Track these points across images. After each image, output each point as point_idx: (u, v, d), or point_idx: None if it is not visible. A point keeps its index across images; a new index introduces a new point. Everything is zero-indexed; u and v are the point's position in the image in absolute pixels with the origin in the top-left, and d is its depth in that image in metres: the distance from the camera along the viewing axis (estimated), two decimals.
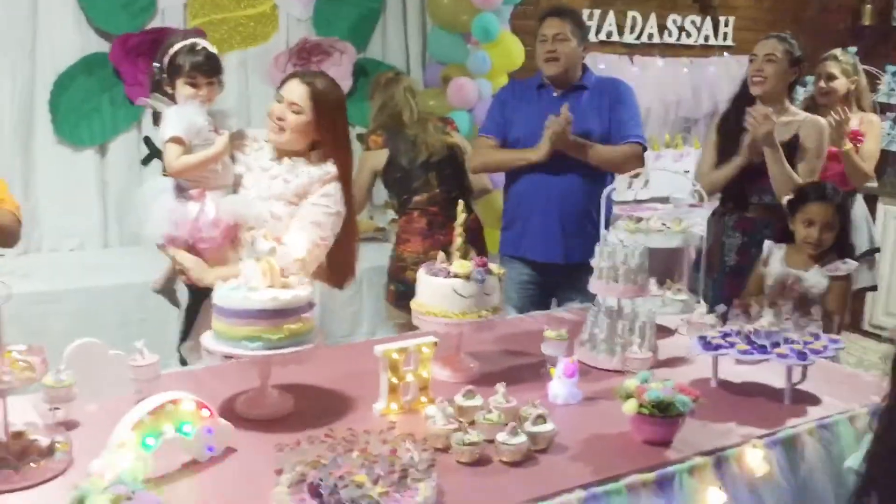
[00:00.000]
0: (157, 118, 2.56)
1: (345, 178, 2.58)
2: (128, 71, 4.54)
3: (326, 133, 2.54)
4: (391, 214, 4.79)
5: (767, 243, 2.92)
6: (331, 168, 2.54)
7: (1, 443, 1.67)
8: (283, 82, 2.57)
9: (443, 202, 3.80)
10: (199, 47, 2.53)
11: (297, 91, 2.48)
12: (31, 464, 1.62)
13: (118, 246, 4.58)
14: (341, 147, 2.60)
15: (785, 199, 2.89)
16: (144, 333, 2.83)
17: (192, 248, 2.49)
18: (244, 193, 2.53)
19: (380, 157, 3.88)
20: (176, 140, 2.45)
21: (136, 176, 4.59)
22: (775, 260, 2.84)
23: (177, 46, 2.51)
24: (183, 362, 2.73)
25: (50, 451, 1.70)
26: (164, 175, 2.56)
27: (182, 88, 2.51)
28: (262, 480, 1.64)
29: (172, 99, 2.53)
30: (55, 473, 1.65)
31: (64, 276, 3.98)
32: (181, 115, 2.47)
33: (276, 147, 2.56)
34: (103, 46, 4.51)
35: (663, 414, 1.85)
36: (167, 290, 2.61)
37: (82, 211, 4.54)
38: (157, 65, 2.54)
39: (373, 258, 4.30)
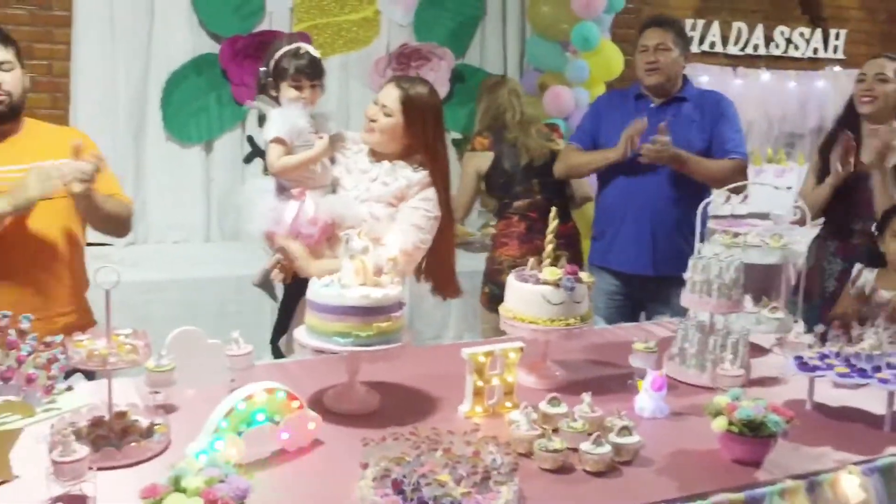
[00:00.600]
0: (262, 119, 2.65)
1: (438, 184, 2.60)
2: (235, 72, 4.72)
3: (415, 138, 2.57)
4: (483, 219, 4.81)
5: (858, 265, 2.83)
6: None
7: (105, 421, 1.76)
8: (384, 86, 2.63)
9: (544, 208, 3.78)
10: (302, 51, 2.60)
11: (390, 95, 2.54)
12: (132, 443, 1.70)
13: (219, 240, 4.77)
14: (433, 153, 2.62)
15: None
16: (240, 324, 2.93)
17: None
18: (343, 194, 2.59)
19: (485, 159, 3.91)
20: (278, 141, 2.52)
21: (238, 173, 4.77)
22: (866, 282, 2.75)
23: (282, 50, 2.59)
24: (276, 355, 2.81)
25: (149, 432, 1.77)
26: (266, 175, 2.64)
27: (286, 91, 2.58)
28: (346, 473, 1.67)
29: (277, 101, 2.61)
30: (153, 453, 1.73)
31: (168, 267, 4.17)
32: (284, 118, 2.54)
33: (370, 149, 2.61)
34: (213, 48, 4.71)
35: (754, 433, 1.80)
36: (266, 285, 2.69)
37: (187, 205, 4.74)
38: (264, 69, 2.62)
39: (463, 263, 4.29)
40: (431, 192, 2.57)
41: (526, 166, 3.84)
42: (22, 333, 1.91)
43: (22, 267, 2.44)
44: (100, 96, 4.46)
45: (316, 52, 2.64)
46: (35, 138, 2.52)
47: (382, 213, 2.54)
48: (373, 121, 2.55)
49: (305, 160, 2.54)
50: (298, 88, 2.58)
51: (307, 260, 2.52)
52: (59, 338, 1.97)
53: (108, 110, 4.49)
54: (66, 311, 2.58)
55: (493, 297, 3.87)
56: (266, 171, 2.64)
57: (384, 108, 2.53)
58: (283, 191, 2.58)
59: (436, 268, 2.68)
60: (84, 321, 2.64)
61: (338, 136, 2.62)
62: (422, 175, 2.56)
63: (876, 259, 2.84)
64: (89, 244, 2.74)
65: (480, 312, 4.03)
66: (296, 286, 2.59)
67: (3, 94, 2.41)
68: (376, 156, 2.61)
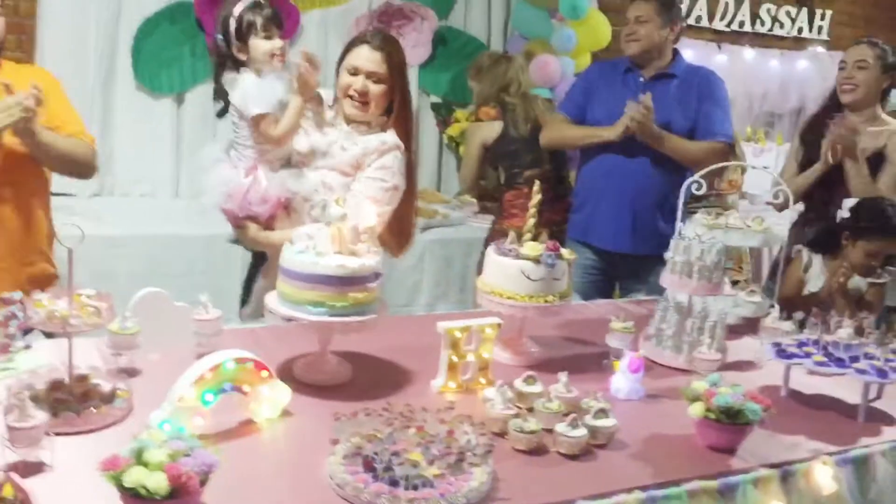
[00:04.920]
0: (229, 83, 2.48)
1: (407, 146, 2.53)
2: (210, 22, 4.55)
3: (398, 100, 2.49)
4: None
5: (806, 251, 2.87)
6: (389, 138, 2.48)
7: (65, 384, 1.69)
8: (349, 49, 2.49)
9: (551, 179, 3.77)
10: (262, 2, 2.47)
11: (373, 59, 2.43)
12: (93, 408, 1.63)
13: (188, 196, 4.64)
14: (409, 114, 2.56)
15: (846, 212, 2.79)
16: (207, 284, 2.85)
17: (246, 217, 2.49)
18: (300, 167, 2.50)
19: (491, 129, 3.88)
20: (262, 117, 2.41)
21: (210, 128, 4.63)
22: (816, 267, 2.77)
23: (239, 8, 2.44)
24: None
25: (111, 397, 1.71)
26: (257, 145, 2.50)
27: (260, 45, 2.43)
28: (316, 447, 1.62)
29: (241, 66, 2.45)
30: (115, 420, 1.66)
31: (133, 221, 4.05)
32: (261, 90, 2.41)
33: (342, 114, 2.51)
34: None
35: (731, 421, 1.78)
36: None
37: (156, 158, 4.61)
38: (221, 36, 2.44)
39: (438, 231, 4.28)
40: (389, 159, 2.47)
41: (535, 135, 3.79)
42: None
43: None
44: (68, 40, 4.29)
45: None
46: (15, 78, 2.41)
47: (335, 183, 2.45)
48: (364, 94, 2.44)
49: (295, 111, 2.42)
50: (270, 38, 2.44)
51: (258, 233, 2.47)
52: (17, 294, 1.88)
53: (77, 56, 4.32)
54: (32, 261, 2.50)
55: None
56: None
57: (373, 76, 2.43)
58: (237, 162, 2.48)
59: (395, 232, 2.61)
60: (49, 273, 2.57)
61: (316, 96, 2.51)
62: (379, 140, 2.47)
63: (828, 245, 2.85)
64: (53, 194, 2.65)
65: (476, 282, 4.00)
66: (260, 256, 2.52)
67: None
68: (352, 122, 2.51)
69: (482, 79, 4.05)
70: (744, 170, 2.95)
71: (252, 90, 2.42)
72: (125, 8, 4.42)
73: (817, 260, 2.83)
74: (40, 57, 4.27)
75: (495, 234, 3.89)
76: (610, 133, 3.23)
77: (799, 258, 2.93)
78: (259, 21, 2.42)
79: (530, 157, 3.82)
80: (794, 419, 2.03)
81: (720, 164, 2.87)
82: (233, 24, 2.43)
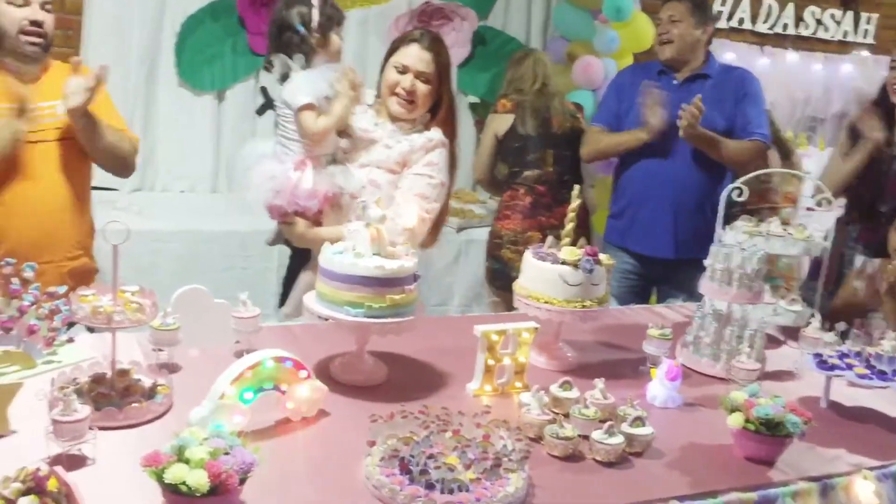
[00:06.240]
0: (284, 77, 2.51)
1: (451, 144, 2.54)
2: (252, 20, 4.61)
3: (444, 99, 2.50)
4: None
5: (861, 258, 2.78)
6: (434, 135, 2.50)
7: (106, 378, 1.71)
8: (398, 47, 2.49)
9: (553, 183, 3.72)
10: (329, 1, 2.50)
11: (422, 59, 2.44)
12: (134, 403, 1.65)
13: (226, 192, 4.69)
14: (454, 113, 2.57)
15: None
16: (245, 281, 2.88)
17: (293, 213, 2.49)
18: (346, 164, 2.50)
19: (504, 121, 3.84)
20: (309, 107, 2.41)
21: (249, 125, 4.68)
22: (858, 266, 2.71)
23: (318, 0, 2.46)
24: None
25: (152, 392, 1.73)
26: (278, 129, 2.53)
27: (336, 39, 2.47)
28: (352, 448, 1.63)
29: (309, 57, 2.47)
30: (155, 415, 1.68)
31: (173, 216, 4.11)
32: (311, 82, 2.42)
33: (386, 112, 2.52)
34: None
35: (771, 432, 1.76)
36: (281, 240, 2.64)
37: (196, 154, 4.66)
38: (302, 27, 2.44)
39: (473, 231, 4.28)
40: (436, 156, 2.49)
41: (542, 134, 3.76)
42: (25, 282, 1.85)
43: (31, 209, 2.41)
44: (113, 36, 4.36)
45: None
46: (63, 76, 2.48)
47: (383, 180, 2.46)
48: (411, 93, 2.45)
49: (340, 113, 2.43)
50: (338, 34, 2.49)
51: (307, 229, 2.46)
52: (62, 289, 1.92)
53: (121, 51, 4.39)
54: (74, 256, 2.55)
55: (494, 273, 3.83)
56: (277, 125, 2.53)
57: (421, 76, 2.44)
58: (283, 157, 2.48)
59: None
60: (90, 267, 2.61)
61: (358, 78, 2.50)
62: (426, 138, 2.48)
63: (877, 247, 2.78)
64: (94, 188, 2.69)
65: (484, 286, 3.99)
66: (301, 255, 2.53)
67: (43, 34, 2.41)
68: (396, 121, 2.52)
69: (508, 72, 4.04)
70: (801, 181, 2.85)
71: (302, 81, 2.43)
72: (169, 5, 4.47)
73: (859, 260, 2.76)
74: (85, 52, 4.34)
75: (490, 238, 3.88)
76: (644, 133, 3.21)
77: (854, 270, 2.84)
78: (338, 16, 2.48)
79: (533, 156, 3.77)
80: (835, 431, 2.00)
81: (760, 172, 2.82)
82: (316, 17, 2.44)
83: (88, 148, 2.49)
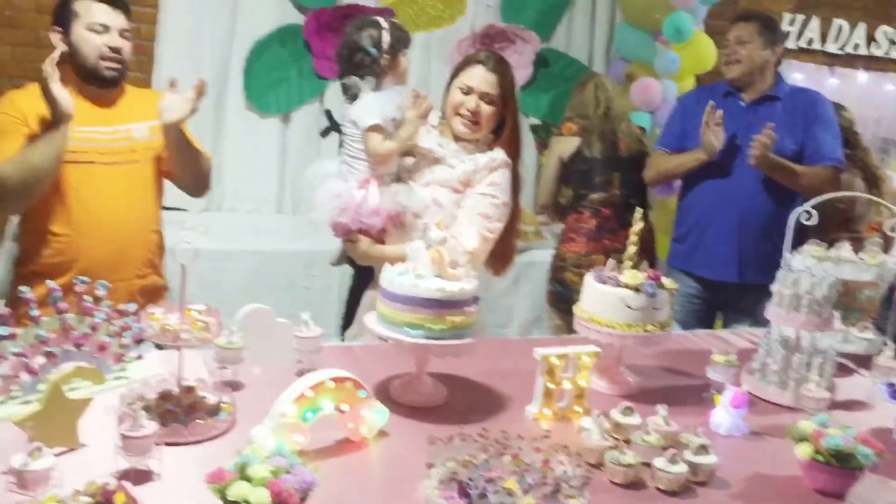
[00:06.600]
0: (354, 98, 2.55)
1: (515, 164, 2.55)
2: (317, 45, 4.71)
3: (509, 120, 2.51)
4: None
5: None
6: (498, 155, 2.50)
7: (173, 395, 1.75)
8: (463, 68, 2.52)
9: (618, 206, 3.69)
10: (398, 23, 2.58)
11: (488, 80, 2.46)
12: (199, 420, 1.69)
13: (290, 213, 4.77)
14: (519, 134, 2.57)
15: None
16: (307, 301, 2.89)
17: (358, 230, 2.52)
18: (409, 182, 2.53)
19: (570, 144, 3.83)
20: (377, 128, 2.45)
21: (314, 147, 4.76)
22: None
23: (384, 23, 2.52)
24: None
25: (216, 409, 1.76)
26: (342, 150, 2.58)
27: (402, 64, 2.53)
28: (411, 469, 1.63)
29: (381, 77, 2.52)
30: (219, 432, 1.71)
31: (239, 236, 4.20)
32: (380, 104, 2.47)
33: (450, 132, 2.54)
34: (298, 19, 4.70)
35: (841, 464, 1.70)
36: (342, 262, 2.67)
37: (262, 176, 4.76)
38: (374, 48, 2.49)
39: (533, 253, 4.27)
40: (499, 176, 2.49)
41: (608, 157, 3.73)
42: (97, 300, 1.92)
43: (104, 230, 2.49)
44: (184, 62, 4.50)
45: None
46: (137, 100, 2.57)
47: (446, 199, 2.47)
48: (476, 113, 2.47)
49: (406, 138, 2.47)
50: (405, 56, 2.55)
51: (371, 247, 2.49)
52: (132, 306, 1.98)
53: (191, 76, 4.46)
54: (144, 274, 2.62)
55: (557, 296, 3.80)
56: (342, 145, 2.58)
57: (486, 97, 2.46)
58: (348, 176, 2.52)
59: (496, 251, 2.60)
60: (159, 285, 2.68)
61: (429, 105, 2.53)
62: (489, 158, 2.48)
63: None
64: (164, 208, 2.77)
65: (546, 309, 3.96)
66: (364, 276, 2.55)
67: (121, 60, 2.50)
68: (460, 141, 2.54)
69: (573, 96, 4.03)
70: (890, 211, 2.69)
71: (371, 102, 2.48)
72: (238, 30, 4.60)
73: None
74: (157, 77, 4.49)
75: (554, 260, 3.84)
76: (703, 153, 3.16)
77: None
78: (405, 38, 2.53)
79: (599, 179, 3.75)
80: None
81: (830, 196, 2.75)
82: (387, 39, 2.49)
83: (176, 164, 2.57)
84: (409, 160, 2.54)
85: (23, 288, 1.85)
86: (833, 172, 3.16)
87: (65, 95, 2.30)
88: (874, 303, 2.96)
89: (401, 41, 2.52)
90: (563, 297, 3.72)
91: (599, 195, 3.74)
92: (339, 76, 2.58)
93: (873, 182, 3.66)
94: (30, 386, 1.74)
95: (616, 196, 3.73)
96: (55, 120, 2.31)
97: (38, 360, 1.78)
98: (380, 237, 2.51)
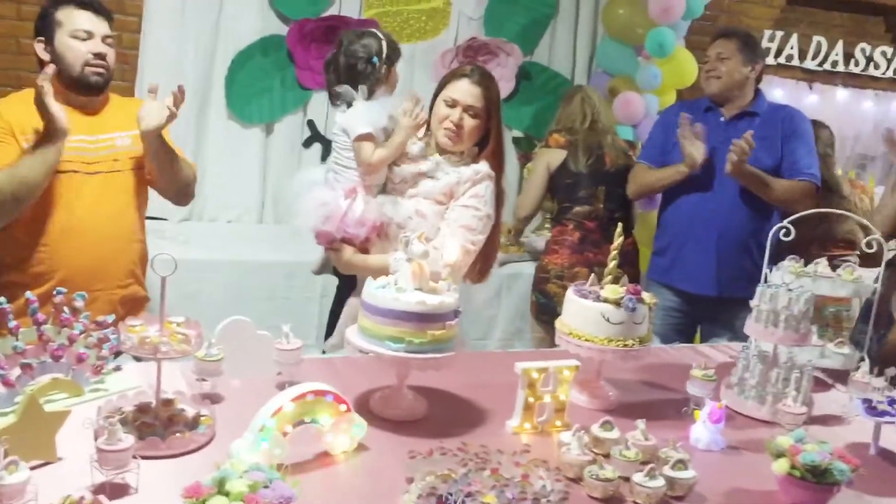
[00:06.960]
0: (348, 105, 2.55)
1: (498, 176, 2.56)
2: (300, 55, 4.71)
3: (493, 133, 2.53)
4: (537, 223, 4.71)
5: None
6: (482, 168, 2.51)
7: (151, 408, 1.74)
8: (448, 81, 2.53)
9: (602, 220, 3.71)
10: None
11: (472, 93, 2.47)
12: (177, 433, 1.67)
13: (272, 223, 4.76)
14: (502, 147, 2.59)
15: None
16: (287, 309, 2.89)
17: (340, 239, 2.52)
18: (393, 194, 2.54)
19: (557, 156, 3.84)
20: (368, 137, 2.46)
21: (296, 157, 4.75)
22: None
23: (381, 34, 2.56)
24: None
25: (195, 422, 1.75)
26: (326, 161, 2.59)
27: (393, 76, 2.57)
28: (390, 484, 1.63)
29: (374, 88, 2.54)
30: (197, 445, 1.70)
31: (220, 246, 4.17)
32: (372, 112, 2.49)
33: (434, 143, 2.55)
34: (281, 29, 4.70)
35: (817, 480, 1.72)
36: (325, 271, 2.67)
37: (243, 186, 4.74)
38: (376, 58, 2.51)
39: (516, 265, 4.28)
40: (482, 188, 2.50)
41: (594, 171, 3.75)
42: (75, 312, 1.90)
43: (85, 239, 2.47)
44: (166, 71, 4.48)
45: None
46: (121, 109, 2.56)
47: (429, 211, 2.48)
48: (459, 126, 2.48)
49: (398, 146, 2.48)
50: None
51: (354, 256, 2.50)
52: (111, 317, 1.96)
53: (174, 85, 4.46)
54: (125, 284, 2.60)
55: (540, 307, 3.82)
56: (326, 156, 2.60)
57: (470, 110, 2.47)
58: (334, 184, 2.53)
59: (477, 261, 2.60)
60: (140, 295, 2.66)
61: (423, 117, 2.54)
62: (472, 170, 2.49)
63: None
64: (147, 218, 2.75)
65: (530, 321, 3.97)
66: (348, 284, 2.55)
67: (106, 66, 2.49)
68: (444, 153, 2.55)
69: (560, 109, 4.05)
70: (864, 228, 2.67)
71: (363, 111, 2.49)
72: (221, 40, 4.59)
73: None
74: (140, 86, 4.47)
75: (537, 272, 3.86)
76: (684, 166, 3.19)
77: None
78: (399, 50, 2.58)
79: (584, 193, 3.76)
80: (884, 480, 1.95)
81: (808, 212, 2.78)
82: (385, 48, 2.53)
83: (157, 172, 2.56)
84: (395, 171, 2.54)
85: (0, 298, 1.83)
86: (810, 188, 3.19)
87: (61, 112, 2.29)
88: (840, 318, 2.99)
89: (396, 52, 2.57)
90: (546, 309, 3.73)
91: (584, 208, 3.76)
92: (328, 85, 2.59)
93: (830, 188, 3.67)
94: (6, 398, 1.72)
95: (600, 210, 3.75)
96: (50, 136, 2.30)
97: (15, 372, 1.76)
98: (363, 247, 2.51)
